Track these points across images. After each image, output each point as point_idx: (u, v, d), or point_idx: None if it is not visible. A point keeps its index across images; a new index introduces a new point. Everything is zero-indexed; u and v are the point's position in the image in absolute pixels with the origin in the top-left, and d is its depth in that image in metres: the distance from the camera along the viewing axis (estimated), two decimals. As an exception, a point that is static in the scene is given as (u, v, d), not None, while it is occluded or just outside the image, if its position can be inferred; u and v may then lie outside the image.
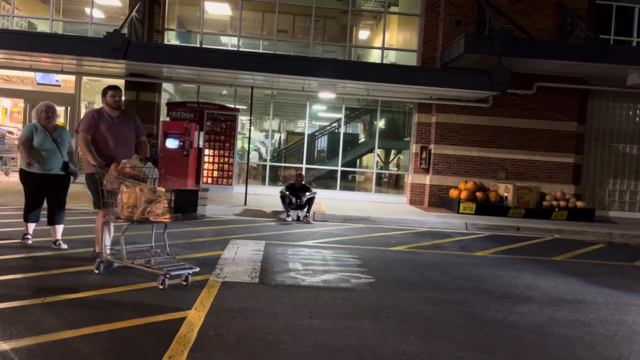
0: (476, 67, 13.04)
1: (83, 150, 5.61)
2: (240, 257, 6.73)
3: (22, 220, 6.76)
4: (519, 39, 12.80)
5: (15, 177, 8.55)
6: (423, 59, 14.65)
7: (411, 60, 14.97)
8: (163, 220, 4.99)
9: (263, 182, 15.48)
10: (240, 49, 14.68)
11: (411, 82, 12.98)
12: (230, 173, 14.52)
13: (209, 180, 14.42)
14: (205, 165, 14.42)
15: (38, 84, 14.92)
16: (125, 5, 14.71)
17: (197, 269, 5.31)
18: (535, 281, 6.63)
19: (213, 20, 16.80)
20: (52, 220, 6.58)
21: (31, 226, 6.67)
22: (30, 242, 6.61)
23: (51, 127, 6.49)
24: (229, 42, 16.36)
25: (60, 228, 6.59)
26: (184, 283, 5.19)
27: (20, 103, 15.45)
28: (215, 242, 7.70)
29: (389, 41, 15.99)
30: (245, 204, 11.67)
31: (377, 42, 15.87)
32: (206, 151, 14.41)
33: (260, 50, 16.14)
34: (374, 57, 16.32)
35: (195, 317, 4.31)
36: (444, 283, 6.20)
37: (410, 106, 15.45)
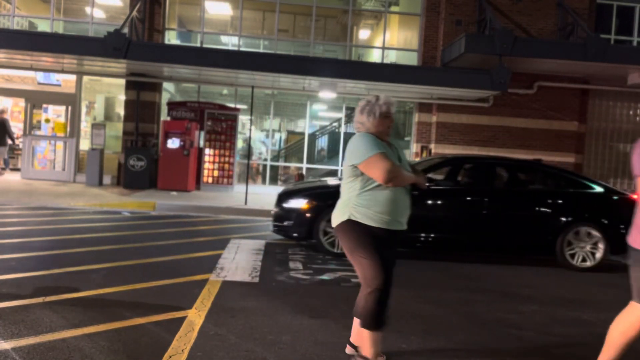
0: (477, 66, 13.03)
1: None
2: (241, 257, 6.73)
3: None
4: (520, 38, 12.79)
5: (11, 175, 7.61)
6: (424, 58, 14.64)
7: (412, 59, 14.97)
8: None
9: (263, 181, 15.48)
10: (241, 49, 14.68)
11: (412, 82, 12.98)
12: (230, 173, 14.50)
13: (209, 180, 14.39)
14: (206, 165, 14.41)
15: (39, 83, 14.92)
16: (126, 5, 14.71)
17: None
18: (536, 280, 6.63)
19: (214, 19, 16.81)
20: None
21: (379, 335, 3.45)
22: None
23: (387, 140, 3.63)
24: (230, 42, 16.37)
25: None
26: None
27: (21, 102, 15.45)
28: (216, 241, 7.70)
29: (390, 41, 15.98)
30: (245, 203, 11.67)
31: (378, 42, 15.86)
32: (207, 151, 14.40)
33: (261, 50, 16.14)
34: (375, 56, 16.32)
35: (196, 316, 4.31)
36: (444, 282, 6.20)
37: (411, 106, 15.44)
